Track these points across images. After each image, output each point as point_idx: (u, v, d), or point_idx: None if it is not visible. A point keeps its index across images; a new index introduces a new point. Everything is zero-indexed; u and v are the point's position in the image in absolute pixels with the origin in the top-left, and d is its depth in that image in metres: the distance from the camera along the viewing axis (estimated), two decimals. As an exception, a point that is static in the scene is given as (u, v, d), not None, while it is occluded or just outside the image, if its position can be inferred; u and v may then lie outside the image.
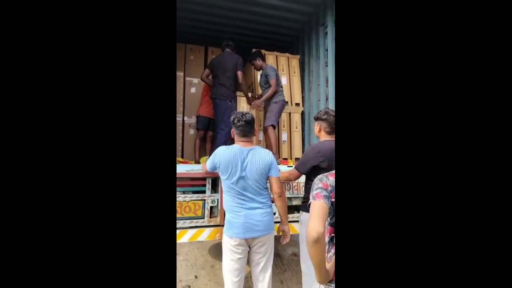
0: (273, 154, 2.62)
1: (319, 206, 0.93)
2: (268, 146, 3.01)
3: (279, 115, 3.04)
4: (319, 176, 1.03)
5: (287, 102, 3.31)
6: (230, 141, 3.18)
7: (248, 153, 1.58)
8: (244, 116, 1.62)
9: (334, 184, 0.98)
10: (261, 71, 3.12)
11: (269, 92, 2.92)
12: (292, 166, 2.38)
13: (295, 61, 3.66)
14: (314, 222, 0.89)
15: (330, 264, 0.96)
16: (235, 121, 1.62)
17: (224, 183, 1.60)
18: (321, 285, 1.00)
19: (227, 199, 1.59)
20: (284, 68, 3.55)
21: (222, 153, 1.59)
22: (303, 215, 1.79)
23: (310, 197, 0.99)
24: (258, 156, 1.59)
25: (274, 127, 2.93)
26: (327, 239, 1.05)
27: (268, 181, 1.63)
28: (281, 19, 3.52)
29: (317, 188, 0.98)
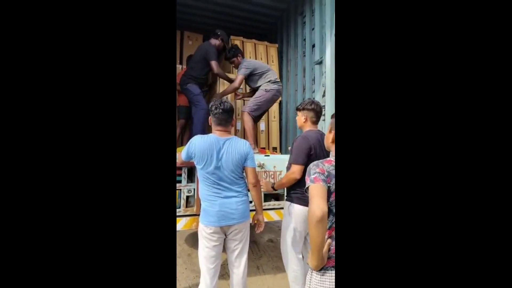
0: (250, 143, 2.65)
1: (320, 187, 0.97)
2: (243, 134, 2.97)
3: (265, 105, 2.73)
4: (315, 162, 1.06)
5: (280, 93, 2.89)
6: (207, 129, 3.17)
7: (224, 143, 1.56)
8: (222, 104, 1.58)
9: (331, 170, 1.02)
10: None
11: (228, 88, 2.71)
12: (268, 155, 2.41)
13: (273, 50, 3.64)
14: (318, 201, 0.93)
15: (324, 250, 0.97)
16: (213, 108, 1.59)
17: (199, 172, 1.58)
18: (314, 272, 1.02)
19: (203, 188, 1.58)
20: (262, 57, 3.52)
21: (197, 142, 1.55)
22: (292, 206, 1.77)
23: (308, 181, 1.01)
24: (235, 146, 1.57)
25: (249, 114, 2.66)
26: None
27: (244, 171, 1.63)
28: (259, 6, 3.46)
29: (314, 173, 1.01)
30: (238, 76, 2.67)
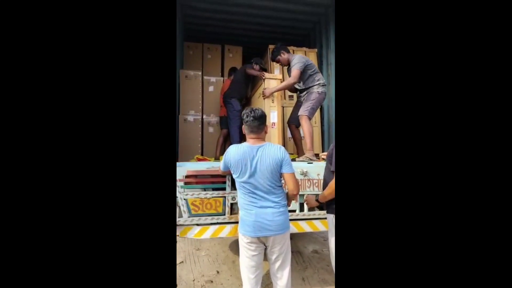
0: (308, 149, 2.63)
1: None
2: (296, 139, 2.92)
3: (317, 108, 2.71)
4: None
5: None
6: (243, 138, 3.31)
7: (257, 150, 1.53)
8: (252, 112, 1.57)
9: None
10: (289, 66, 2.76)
11: (284, 83, 2.62)
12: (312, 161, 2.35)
13: (312, 55, 3.59)
14: None
15: None
16: (244, 116, 1.59)
17: (236, 181, 1.60)
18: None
19: (240, 197, 1.58)
20: (301, 63, 3.49)
21: (232, 152, 1.58)
22: (330, 217, 1.70)
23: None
24: (268, 152, 1.53)
25: (309, 118, 2.57)
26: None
27: (282, 178, 1.58)
28: (297, 13, 3.46)
29: None
30: (294, 70, 2.57)
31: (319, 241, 3.37)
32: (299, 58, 2.64)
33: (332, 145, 1.76)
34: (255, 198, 1.52)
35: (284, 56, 2.73)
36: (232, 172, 1.60)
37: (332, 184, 1.68)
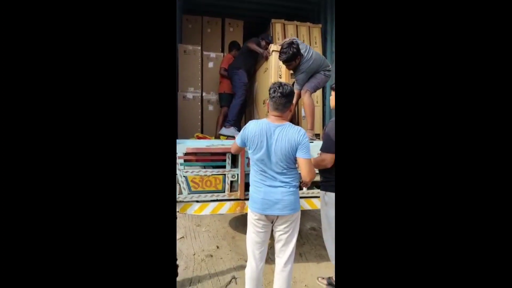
0: (309, 129, 2.57)
1: None
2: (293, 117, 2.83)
3: (320, 88, 2.68)
4: None
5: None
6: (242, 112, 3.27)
7: (275, 129, 1.45)
8: (281, 87, 1.44)
9: None
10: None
11: (309, 111, 2.52)
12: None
13: (316, 30, 3.44)
14: None
15: None
16: (271, 91, 1.47)
17: (250, 157, 1.55)
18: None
19: (252, 173, 1.55)
20: (305, 39, 3.36)
21: (250, 126, 1.50)
22: (327, 195, 1.74)
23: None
24: (286, 134, 1.44)
25: (310, 93, 2.48)
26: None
27: (296, 162, 1.49)
28: None
29: None
30: (306, 94, 2.47)
31: (316, 219, 3.45)
32: (304, 47, 2.40)
33: (326, 126, 1.75)
34: (266, 176, 1.48)
35: (297, 61, 2.40)
36: (247, 147, 1.54)
37: (317, 159, 1.70)
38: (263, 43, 3.00)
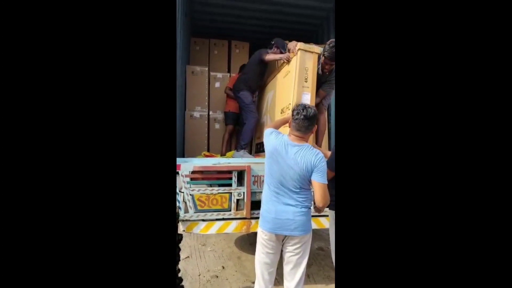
0: (318, 146, 2.47)
1: None
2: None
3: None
4: None
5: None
6: (255, 137, 3.22)
7: (293, 148, 1.44)
8: (304, 110, 1.44)
9: None
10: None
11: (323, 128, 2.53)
12: None
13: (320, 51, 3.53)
14: None
15: None
16: (294, 113, 1.47)
17: (266, 165, 1.52)
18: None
19: (265, 189, 1.53)
20: (309, 59, 3.44)
21: (273, 137, 1.51)
22: (332, 214, 1.71)
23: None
24: (303, 155, 1.42)
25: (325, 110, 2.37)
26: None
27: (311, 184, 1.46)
28: (305, 8, 3.41)
29: None
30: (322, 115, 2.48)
31: (324, 238, 3.37)
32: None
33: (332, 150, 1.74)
34: (279, 194, 1.46)
35: (330, 67, 2.27)
36: (266, 150, 1.53)
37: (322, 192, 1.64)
38: (276, 51, 2.76)
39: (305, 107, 1.46)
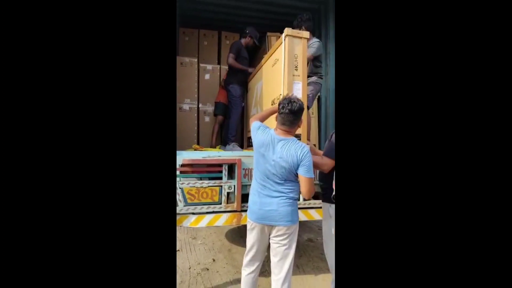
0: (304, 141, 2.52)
1: None
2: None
3: (314, 98, 2.61)
4: None
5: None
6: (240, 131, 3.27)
7: (279, 142, 1.45)
8: (290, 104, 1.43)
9: None
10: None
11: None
12: None
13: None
14: None
15: None
16: (280, 106, 1.47)
17: (254, 156, 1.54)
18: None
19: (253, 181, 1.56)
20: (299, 52, 3.42)
21: (261, 130, 1.52)
22: (332, 208, 1.69)
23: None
24: (288, 149, 1.43)
25: (308, 108, 2.35)
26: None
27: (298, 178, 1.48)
28: (297, 0, 3.38)
29: None
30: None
31: (313, 230, 3.42)
32: (318, 46, 2.43)
33: (333, 132, 1.76)
34: (265, 187, 1.48)
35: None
36: (254, 142, 1.55)
37: (319, 161, 1.67)
38: (248, 40, 3.04)
39: (290, 101, 1.45)
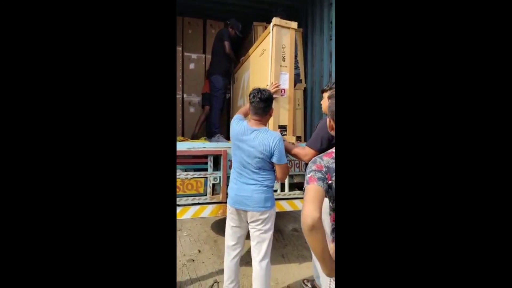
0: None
1: (313, 189, 0.84)
2: None
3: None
4: (313, 159, 0.95)
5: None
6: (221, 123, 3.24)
7: (252, 133, 1.54)
8: (259, 93, 1.52)
9: (330, 164, 0.90)
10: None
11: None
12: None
13: (298, 34, 3.50)
14: (309, 208, 0.80)
15: (331, 254, 0.86)
16: (250, 96, 1.56)
17: (232, 147, 1.67)
18: (331, 279, 0.92)
19: (232, 169, 1.68)
20: (286, 43, 3.40)
21: (233, 125, 1.64)
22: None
23: (304, 183, 0.89)
24: (261, 139, 1.51)
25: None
26: (329, 229, 1.01)
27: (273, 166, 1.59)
28: None
29: (310, 172, 0.88)
30: None
31: (298, 220, 3.49)
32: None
33: (319, 122, 1.78)
34: (241, 175, 1.59)
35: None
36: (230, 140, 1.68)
37: (301, 151, 1.69)
38: (232, 32, 3.02)
39: (259, 90, 1.55)
